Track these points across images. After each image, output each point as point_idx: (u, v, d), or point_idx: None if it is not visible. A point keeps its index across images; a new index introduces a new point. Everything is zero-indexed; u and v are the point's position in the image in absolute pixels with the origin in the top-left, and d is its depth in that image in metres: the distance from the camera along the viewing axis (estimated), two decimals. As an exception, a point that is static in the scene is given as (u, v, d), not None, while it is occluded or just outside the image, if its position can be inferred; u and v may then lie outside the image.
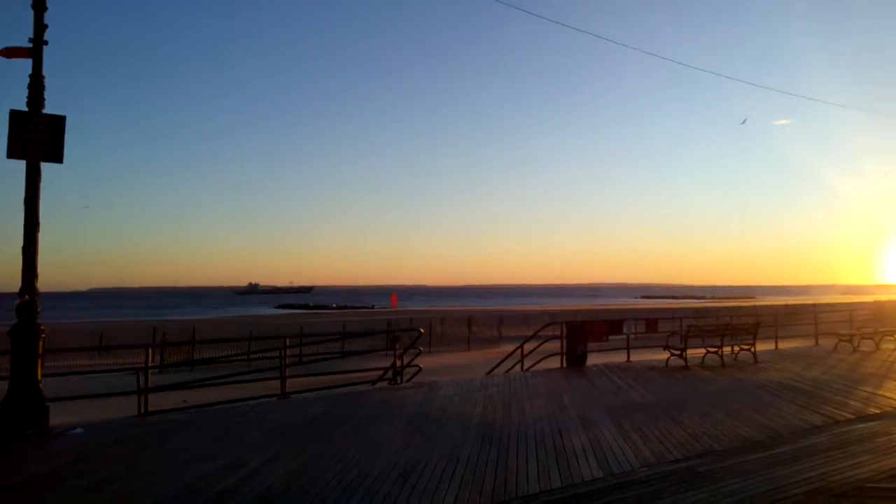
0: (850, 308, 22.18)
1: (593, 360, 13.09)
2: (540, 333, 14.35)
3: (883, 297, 37.38)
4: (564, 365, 12.86)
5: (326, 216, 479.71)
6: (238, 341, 24.34)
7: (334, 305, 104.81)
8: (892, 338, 15.75)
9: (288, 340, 12.21)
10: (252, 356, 18.49)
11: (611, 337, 14.21)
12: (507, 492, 5.00)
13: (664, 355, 12.54)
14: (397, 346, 11.34)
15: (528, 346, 13.45)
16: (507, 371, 12.72)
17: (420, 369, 11.84)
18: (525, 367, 13.15)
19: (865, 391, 9.08)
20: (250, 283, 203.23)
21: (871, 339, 15.20)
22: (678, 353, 12.31)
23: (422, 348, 13.32)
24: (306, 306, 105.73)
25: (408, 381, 11.26)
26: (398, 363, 11.12)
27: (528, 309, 58.31)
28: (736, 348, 13.06)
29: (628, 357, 13.53)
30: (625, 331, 14.00)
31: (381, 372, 11.33)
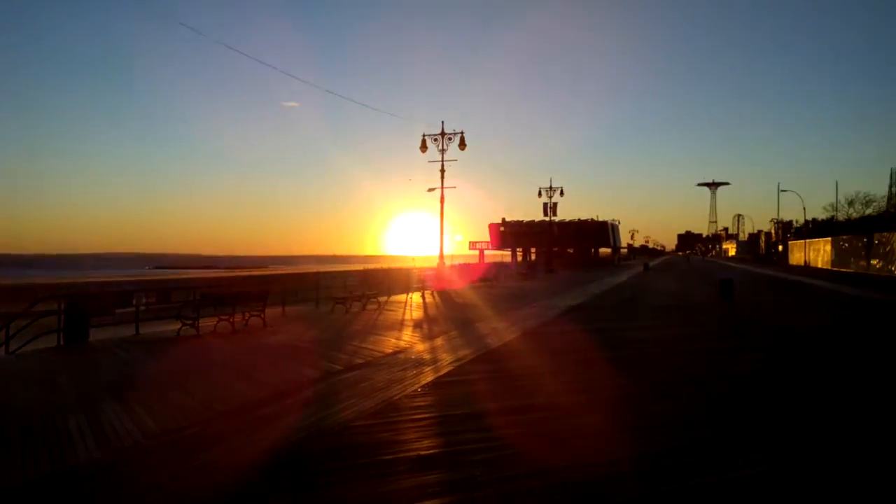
0: (345, 275, 25.72)
1: (99, 335, 11.83)
2: (32, 311, 12.21)
3: (372, 266, 44.37)
4: (62, 343, 11.24)
5: None
6: None
7: None
8: (375, 300, 18.92)
9: None
10: None
11: (119, 310, 13.09)
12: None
13: (177, 326, 12.18)
14: None
15: (15, 325, 11.28)
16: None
17: None
18: (10, 349, 11.00)
19: (353, 345, 10.59)
20: None
21: (360, 301, 17.95)
22: (190, 322, 12.14)
23: None
24: None
25: None
26: None
27: (18, 282, 48.69)
28: (247, 315, 13.59)
29: (137, 330, 12.65)
30: (134, 303, 13.08)
31: None
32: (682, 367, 8.34)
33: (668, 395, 6.70)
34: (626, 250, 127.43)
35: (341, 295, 18.24)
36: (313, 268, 60.61)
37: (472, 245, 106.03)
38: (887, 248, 37.66)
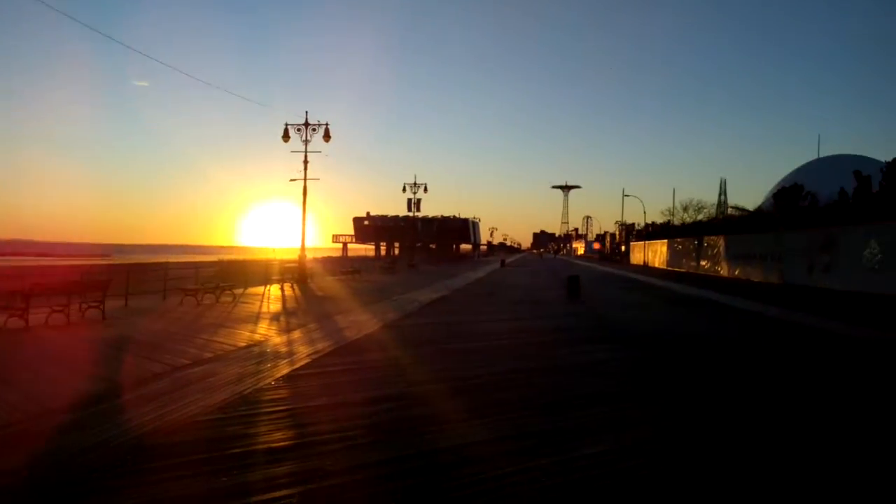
0: (198, 266, 24.33)
1: None
2: None
3: (228, 257, 42.30)
4: None
5: None
6: None
7: None
8: (230, 292, 18.10)
9: None
10: None
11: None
12: None
13: (2, 317, 10.91)
14: None
15: None
16: None
17: None
18: None
19: (203, 339, 10.08)
20: None
21: (213, 293, 17.09)
22: (18, 313, 10.94)
23: None
24: None
25: None
26: None
27: None
28: (84, 307, 12.47)
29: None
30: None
31: None
32: (531, 357, 8.82)
33: (518, 384, 7.07)
34: (485, 247, 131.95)
35: (192, 287, 17.26)
36: (162, 258, 56.68)
37: (336, 238, 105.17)
38: (714, 251, 42.14)
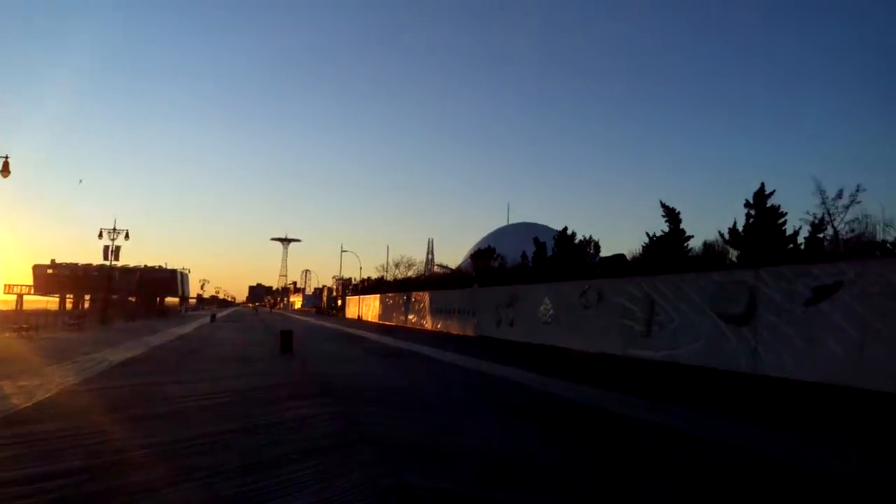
0: None
1: None
2: None
3: None
4: None
5: None
6: None
7: None
8: None
9: None
10: None
11: None
12: None
13: None
14: None
15: None
16: None
17: None
18: None
19: None
20: None
21: None
22: None
23: None
24: None
25: None
26: None
27: None
28: None
29: None
30: None
31: None
32: (233, 418, 8.35)
33: (216, 447, 6.61)
34: (195, 300, 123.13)
35: None
36: None
37: (9, 289, 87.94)
38: (421, 305, 45.31)
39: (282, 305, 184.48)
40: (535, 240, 32.48)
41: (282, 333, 20.69)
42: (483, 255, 42.87)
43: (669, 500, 5.17)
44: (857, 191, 16.55)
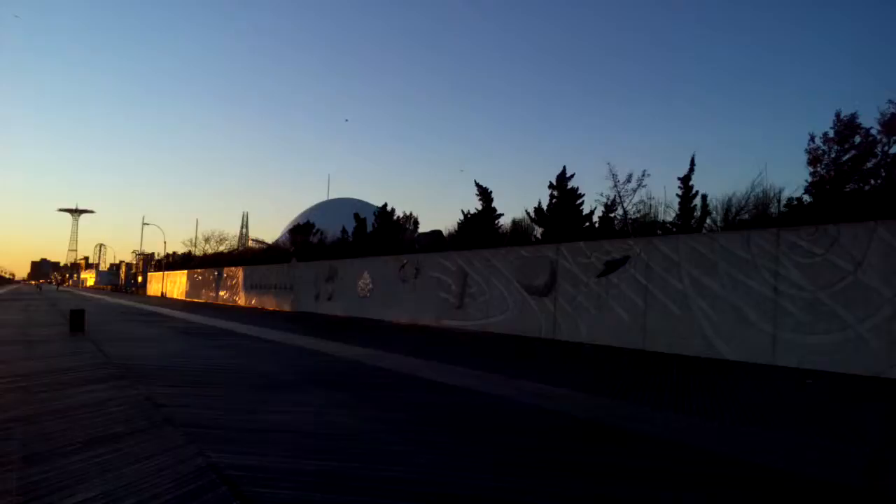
0: None
1: None
2: None
3: None
4: None
5: None
6: None
7: None
8: None
9: None
10: None
11: None
12: None
13: None
14: None
15: None
16: None
17: None
18: None
19: None
20: None
21: None
22: None
23: None
24: None
25: None
26: None
27: None
28: None
29: None
30: None
31: None
32: (9, 406, 7.31)
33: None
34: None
35: None
36: None
37: None
38: (234, 281, 43.10)
39: (71, 283, 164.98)
40: (356, 215, 32.41)
41: (72, 312, 18.49)
42: (302, 230, 41.73)
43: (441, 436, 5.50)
44: (644, 175, 18.59)
